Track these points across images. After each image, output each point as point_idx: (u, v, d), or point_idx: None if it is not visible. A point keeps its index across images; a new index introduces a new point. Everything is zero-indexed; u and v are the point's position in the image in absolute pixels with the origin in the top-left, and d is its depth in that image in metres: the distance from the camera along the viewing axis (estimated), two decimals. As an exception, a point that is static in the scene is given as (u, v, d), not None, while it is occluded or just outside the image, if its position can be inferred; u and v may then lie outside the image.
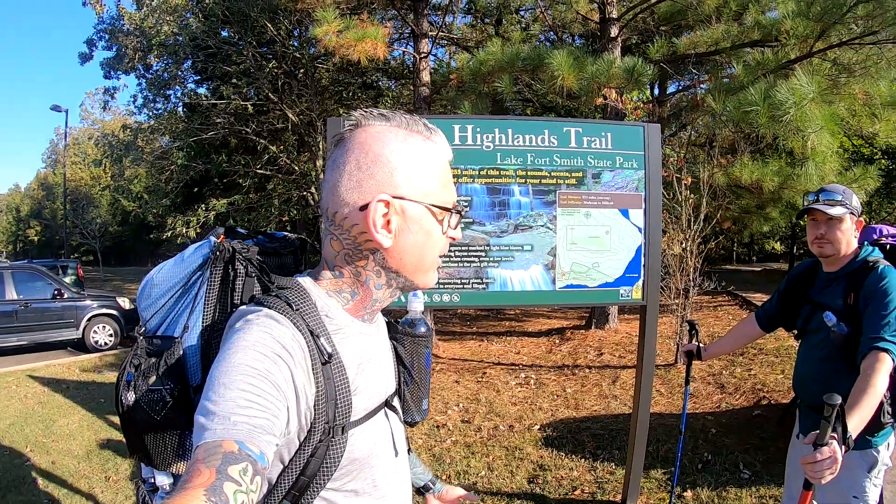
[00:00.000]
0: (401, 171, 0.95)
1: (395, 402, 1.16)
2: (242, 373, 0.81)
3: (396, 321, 1.23)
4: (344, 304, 1.02)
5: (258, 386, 0.81)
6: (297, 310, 0.93)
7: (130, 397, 1.02)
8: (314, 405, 0.91)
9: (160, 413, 1.00)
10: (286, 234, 1.24)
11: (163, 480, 1.09)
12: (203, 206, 13.69)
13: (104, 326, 10.26)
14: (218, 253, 1.05)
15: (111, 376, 7.83)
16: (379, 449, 1.05)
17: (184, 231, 13.15)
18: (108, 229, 33.26)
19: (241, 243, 1.08)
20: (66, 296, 10.08)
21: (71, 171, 33.44)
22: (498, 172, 3.29)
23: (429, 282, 1.04)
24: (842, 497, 2.16)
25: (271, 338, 0.87)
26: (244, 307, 0.96)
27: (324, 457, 0.92)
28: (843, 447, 1.63)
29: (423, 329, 1.22)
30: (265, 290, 1.01)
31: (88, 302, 10.31)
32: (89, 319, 10.15)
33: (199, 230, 13.42)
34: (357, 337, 1.03)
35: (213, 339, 1.02)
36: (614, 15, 8.55)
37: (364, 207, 0.95)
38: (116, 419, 4.99)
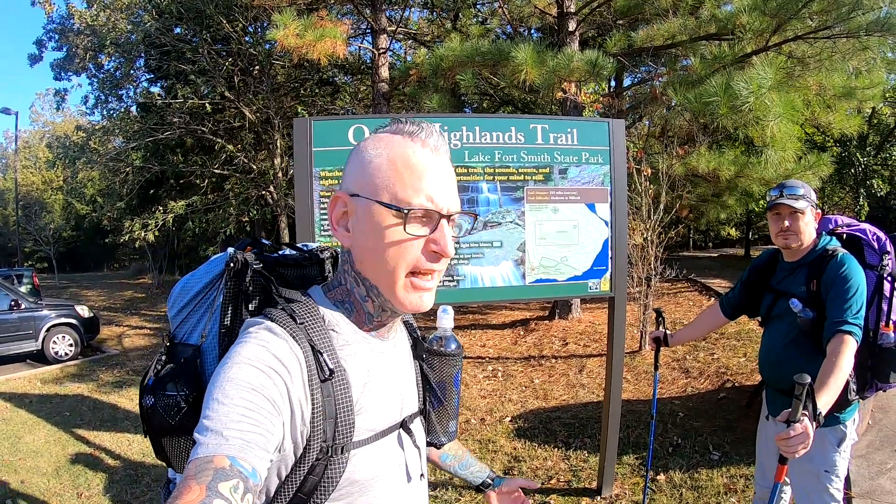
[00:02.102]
0: (364, 169, 0.95)
1: (415, 425, 1.11)
2: (237, 387, 0.81)
3: (424, 338, 1.18)
4: (348, 315, 1.01)
5: (252, 401, 0.80)
6: (301, 323, 0.92)
7: (149, 401, 1.03)
8: (310, 422, 0.89)
9: (174, 418, 1.01)
10: (317, 246, 1.22)
11: None
12: (160, 208, 13.42)
13: (64, 336, 9.93)
14: (231, 264, 1.05)
15: (74, 388, 7.64)
16: (386, 473, 1.01)
17: (142, 234, 12.89)
18: (61, 234, 32.19)
19: (255, 254, 1.08)
20: (23, 306, 9.76)
21: (22, 175, 32.30)
22: (466, 170, 3.31)
23: (404, 301, 0.96)
24: (814, 472, 2.28)
25: (267, 352, 0.86)
26: (250, 319, 0.96)
27: (321, 476, 0.91)
28: (813, 423, 1.73)
29: (453, 346, 1.15)
30: (275, 302, 0.99)
31: (46, 312, 9.99)
32: (48, 330, 9.82)
33: (157, 233, 13.17)
34: (366, 353, 1.00)
35: (228, 348, 1.01)
36: (572, 9, 8.61)
37: None
38: (84, 433, 4.88)
